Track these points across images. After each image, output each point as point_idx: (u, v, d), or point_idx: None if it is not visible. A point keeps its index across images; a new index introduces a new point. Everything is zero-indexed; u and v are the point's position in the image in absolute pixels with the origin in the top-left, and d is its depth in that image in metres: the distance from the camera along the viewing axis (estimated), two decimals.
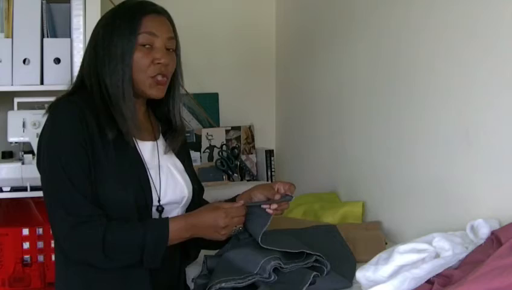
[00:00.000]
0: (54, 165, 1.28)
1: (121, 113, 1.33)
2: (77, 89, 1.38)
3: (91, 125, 1.30)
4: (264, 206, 1.38)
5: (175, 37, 1.41)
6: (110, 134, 1.31)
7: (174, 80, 1.44)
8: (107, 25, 1.36)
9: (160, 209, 1.37)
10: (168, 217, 1.33)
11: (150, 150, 1.41)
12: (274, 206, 1.38)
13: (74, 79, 1.44)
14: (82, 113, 1.29)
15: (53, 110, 1.32)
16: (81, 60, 1.44)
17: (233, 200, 1.47)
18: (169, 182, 1.41)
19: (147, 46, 1.34)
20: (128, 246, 1.27)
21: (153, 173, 1.38)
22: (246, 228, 1.38)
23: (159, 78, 1.36)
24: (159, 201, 1.37)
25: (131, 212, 1.31)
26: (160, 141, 1.46)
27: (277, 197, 1.40)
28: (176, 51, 1.42)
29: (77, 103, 1.31)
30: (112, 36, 1.34)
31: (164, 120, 1.48)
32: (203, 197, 1.61)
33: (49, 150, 1.30)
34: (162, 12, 1.39)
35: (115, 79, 1.33)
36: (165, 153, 1.44)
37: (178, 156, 1.48)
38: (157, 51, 1.35)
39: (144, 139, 1.41)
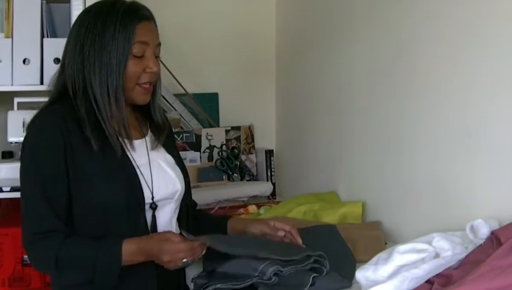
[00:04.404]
0: (28, 177, 1.30)
1: (109, 120, 1.32)
2: (59, 95, 1.36)
3: (74, 132, 1.30)
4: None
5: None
6: (95, 145, 1.30)
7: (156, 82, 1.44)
8: (97, 30, 1.32)
9: (154, 206, 1.37)
10: (121, 239, 1.28)
11: (138, 148, 1.40)
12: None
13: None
14: (63, 121, 1.29)
15: (33, 122, 1.32)
16: None
17: (223, 224, 1.49)
18: (160, 177, 1.41)
19: (139, 54, 1.34)
20: (80, 265, 1.27)
21: (143, 170, 1.38)
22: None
23: (147, 85, 1.37)
24: (152, 198, 1.37)
25: (123, 213, 1.31)
26: (149, 138, 1.45)
27: (280, 233, 1.42)
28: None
29: (58, 112, 1.31)
30: (104, 44, 1.31)
31: (148, 117, 1.48)
32: (195, 198, 1.62)
33: (24, 164, 1.31)
34: (150, 17, 1.38)
35: (105, 88, 1.31)
36: (152, 148, 1.44)
37: (168, 150, 1.49)
38: (148, 59, 1.35)
39: (131, 137, 1.40)
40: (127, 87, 1.35)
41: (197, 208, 1.66)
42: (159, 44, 1.39)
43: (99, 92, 1.32)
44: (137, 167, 1.37)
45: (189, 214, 1.54)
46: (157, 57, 1.39)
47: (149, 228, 1.37)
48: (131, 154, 1.38)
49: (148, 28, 1.35)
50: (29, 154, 1.31)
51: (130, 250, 1.27)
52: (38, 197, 1.27)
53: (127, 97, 1.36)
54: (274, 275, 1.26)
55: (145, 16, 1.35)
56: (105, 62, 1.31)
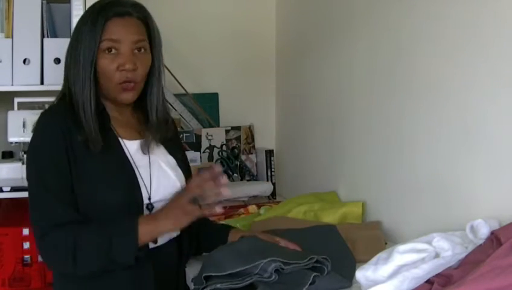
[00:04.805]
0: (33, 175, 1.30)
1: (83, 119, 1.32)
2: (62, 95, 1.38)
3: (74, 132, 1.30)
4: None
5: (150, 37, 1.38)
6: (79, 137, 1.30)
7: (151, 78, 1.42)
8: (75, 30, 1.35)
9: (150, 207, 1.37)
10: (135, 225, 1.29)
11: (138, 148, 1.41)
12: None
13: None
14: (64, 121, 1.30)
15: (38, 122, 1.33)
16: None
17: (224, 234, 1.49)
18: (160, 178, 1.41)
19: (113, 51, 1.32)
20: (95, 250, 1.26)
21: (142, 171, 1.38)
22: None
23: (125, 85, 1.35)
24: (149, 199, 1.37)
25: (121, 213, 1.31)
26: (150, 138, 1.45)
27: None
28: (153, 50, 1.40)
29: (59, 112, 1.32)
30: (77, 43, 1.32)
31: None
32: None
33: (30, 164, 1.32)
34: (129, 12, 1.34)
35: (78, 86, 1.32)
36: (151, 149, 1.43)
37: (170, 151, 1.48)
38: (122, 56, 1.33)
39: (131, 138, 1.41)
40: (106, 87, 1.35)
41: None
42: (140, 40, 1.35)
43: (74, 91, 1.33)
44: (136, 167, 1.37)
45: None
46: (142, 51, 1.35)
47: None
48: (130, 155, 1.38)
49: (120, 25, 1.33)
50: (34, 154, 1.31)
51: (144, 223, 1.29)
52: (46, 195, 1.28)
53: (110, 97, 1.37)
54: (275, 271, 1.26)
55: (119, 12, 1.33)
56: (78, 59, 1.32)
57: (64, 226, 1.27)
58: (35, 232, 1.30)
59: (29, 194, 1.32)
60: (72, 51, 1.34)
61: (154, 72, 1.42)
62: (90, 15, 1.33)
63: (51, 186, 1.28)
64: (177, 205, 1.31)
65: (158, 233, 1.32)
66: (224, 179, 1.28)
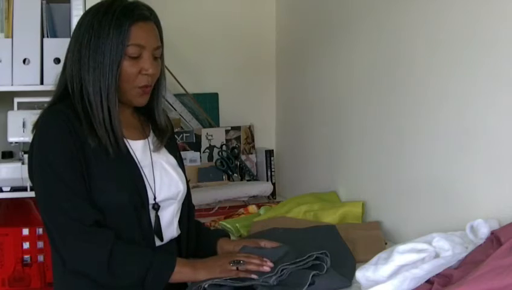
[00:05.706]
0: (50, 175, 1.28)
1: (101, 122, 1.31)
2: (60, 95, 1.36)
3: (79, 131, 1.29)
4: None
5: (161, 43, 1.39)
6: (92, 143, 1.29)
7: (157, 83, 1.43)
8: (93, 30, 1.31)
9: (156, 207, 1.37)
10: (175, 258, 1.32)
11: (141, 149, 1.41)
12: None
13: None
14: (68, 120, 1.29)
15: (39, 124, 1.31)
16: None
17: (213, 241, 1.50)
18: (163, 178, 1.41)
19: (135, 55, 1.32)
20: (131, 274, 1.27)
21: (146, 171, 1.38)
22: None
23: (145, 89, 1.36)
24: (154, 199, 1.37)
25: (127, 213, 1.31)
26: (151, 139, 1.45)
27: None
28: (162, 55, 1.41)
29: (62, 112, 1.30)
30: (99, 44, 1.30)
31: (150, 119, 1.48)
32: (195, 198, 1.63)
33: (42, 163, 1.29)
34: (149, 17, 1.35)
35: (98, 88, 1.30)
36: (154, 150, 1.44)
37: (170, 151, 1.49)
38: (144, 61, 1.33)
39: (134, 138, 1.40)
40: (122, 88, 1.34)
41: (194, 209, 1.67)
42: (159, 46, 1.37)
43: (92, 92, 1.31)
44: (141, 167, 1.37)
45: (190, 215, 1.54)
46: (157, 58, 1.37)
47: (153, 227, 1.37)
48: (135, 155, 1.38)
49: (144, 30, 1.33)
50: (43, 154, 1.29)
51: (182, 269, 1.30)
52: (71, 193, 1.27)
53: (124, 99, 1.36)
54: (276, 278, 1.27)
55: (142, 16, 1.33)
56: (99, 62, 1.30)
57: (97, 230, 1.27)
58: (64, 236, 1.27)
59: (46, 196, 1.29)
60: (91, 52, 1.30)
61: (161, 77, 1.43)
62: (111, 17, 1.30)
63: (74, 186, 1.27)
64: (219, 262, 1.33)
65: (191, 278, 1.31)
66: (269, 263, 1.32)
